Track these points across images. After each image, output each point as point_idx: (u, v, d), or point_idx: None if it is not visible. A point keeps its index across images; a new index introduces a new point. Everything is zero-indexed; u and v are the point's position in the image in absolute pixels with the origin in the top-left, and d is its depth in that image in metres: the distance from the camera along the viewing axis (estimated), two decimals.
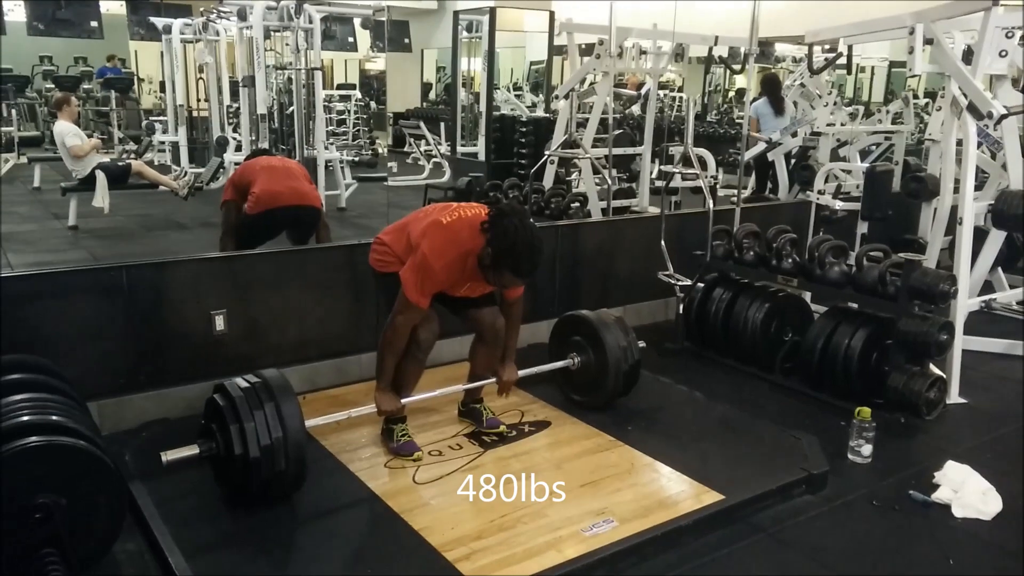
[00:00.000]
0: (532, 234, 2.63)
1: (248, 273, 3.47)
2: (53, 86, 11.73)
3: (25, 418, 2.22)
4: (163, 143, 9.23)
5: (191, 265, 3.36)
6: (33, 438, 2.13)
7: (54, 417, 2.28)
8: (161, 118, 9.71)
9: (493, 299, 3.07)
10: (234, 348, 3.36)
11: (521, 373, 3.21)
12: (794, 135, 6.33)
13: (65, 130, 6.43)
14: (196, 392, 3.15)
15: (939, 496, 2.80)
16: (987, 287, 4.55)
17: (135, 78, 12.79)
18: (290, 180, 4.32)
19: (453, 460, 2.93)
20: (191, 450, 2.50)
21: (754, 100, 6.94)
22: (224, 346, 3.34)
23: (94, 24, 10.30)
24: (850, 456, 3.08)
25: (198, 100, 9.49)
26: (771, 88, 6.90)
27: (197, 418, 3.09)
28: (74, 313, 3.03)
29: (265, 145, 6.77)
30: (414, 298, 2.72)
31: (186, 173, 7.18)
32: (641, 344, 3.42)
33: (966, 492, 2.78)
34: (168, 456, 2.46)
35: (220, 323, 3.29)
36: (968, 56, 4.20)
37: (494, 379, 3.14)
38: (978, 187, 4.79)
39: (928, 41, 3.92)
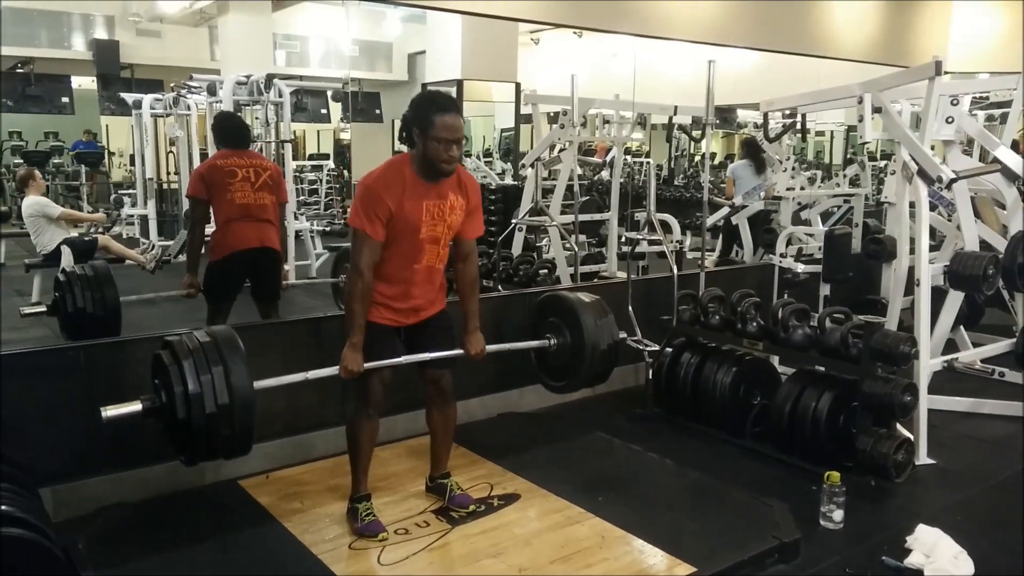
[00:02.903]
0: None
1: None
2: (22, 161, 11.71)
3: None
4: (132, 216, 9.19)
5: (150, 343, 3.28)
6: None
7: (1, 507, 2.20)
8: (130, 191, 9.69)
9: (449, 361, 3.02)
10: None
11: (492, 348, 3.12)
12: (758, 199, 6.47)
13: (42, 202, 6.43)
14: (154, 474, 3.07)
15: (911, 561, 2.78)
16: (951, 346, 4.61)
17: (106, 152, 12.82)
18: (258, 217, 4.07)
19: (420, 539, 2.86)
20: (133, 406, 2.46)
21: (730, 162, 7.10)
22: None
23: (65, 100, 10.35)
24: (822, 522, 3.06)
25: (168, 173, 9.51)
26: (752, 150, 7.05)
27: (156, 501, 3.02)
28: (28, 395, 2.96)
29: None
30: (360, 224, 2.70)
31: (153, 247, 7.11)
32: (622, 335, 3.47)
33: (938, 556, 2.76)
34: (108, 412, 2.41)
35: None
36: (918, 122, 4.35)
37: (462, 351, 3.03)
38: (936, 247, 4.91)
39: (877, 109, 4.05)
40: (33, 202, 6.40)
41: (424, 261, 2.86)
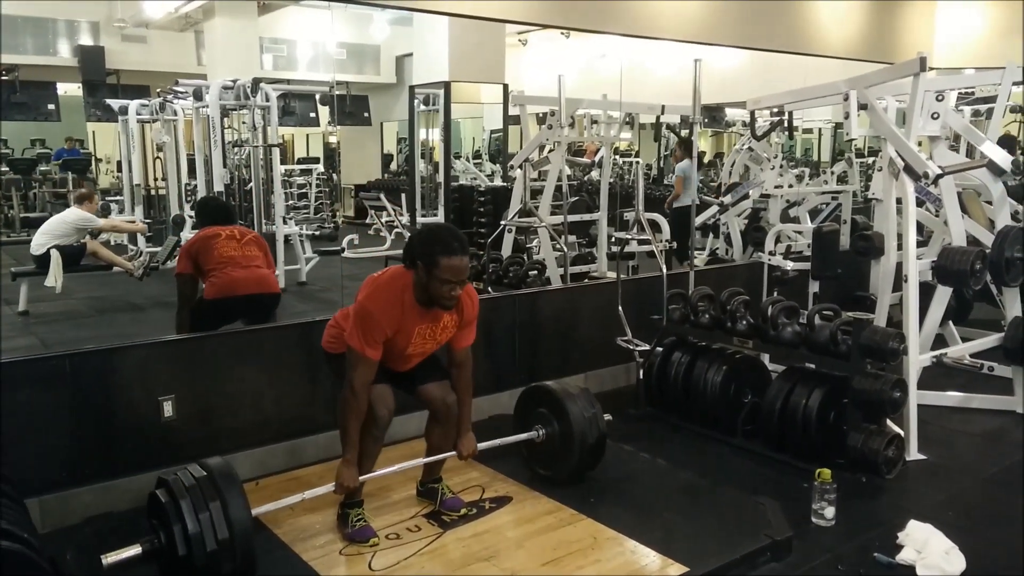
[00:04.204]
0: (444, 224, 2.65)
1: (198, 356, 3.40)
2: (7, 169, 11.64)
3: None
4: None
5: (137, 350, 3.28)
6: None
7: None
8: (117, 198, 9.64)
9: (444, 371, 3.03)
10: (183, 435, 3.26)
11: (483, 446, 3.13)
12: (746, 197, 6.48)
13: (89, 217, 6.54)
14: (142, 483, 3.03)
15: (903, 557, 2.78)
16: (940, 341, 4.62)
17: (92, 158, 12.75)
18: (250, 264, 4.10)
19: (411, 543, 2.85)
20: (133, 550, 2.39)
21: (719, 160, 7.10)
22: (173, 433, 3.24)
23: (51, 107, 10.28)
24: (814, 519, 3.06)
25: (155, 179, 9.47)
26: (689, 148, 7.05)
27: (143, 511, 2.98)
28: (14, 405, 2.93)
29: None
30: (358, 347, 2.70)
31: (141, 253, 7.08)
32: (607, 417, 3.37)
33: (929, 552, 2.76)
34: (109, 559, 2.34)
35: (168, 409, 3.21)
36: (904, 118, 4.36)
37: (454, 453, 3.07)
38: (924, 243, 4.93)
39: (863, 106, 4.06)
40: (80, 214, 6.51)
41: (410, 363, 2.96)
